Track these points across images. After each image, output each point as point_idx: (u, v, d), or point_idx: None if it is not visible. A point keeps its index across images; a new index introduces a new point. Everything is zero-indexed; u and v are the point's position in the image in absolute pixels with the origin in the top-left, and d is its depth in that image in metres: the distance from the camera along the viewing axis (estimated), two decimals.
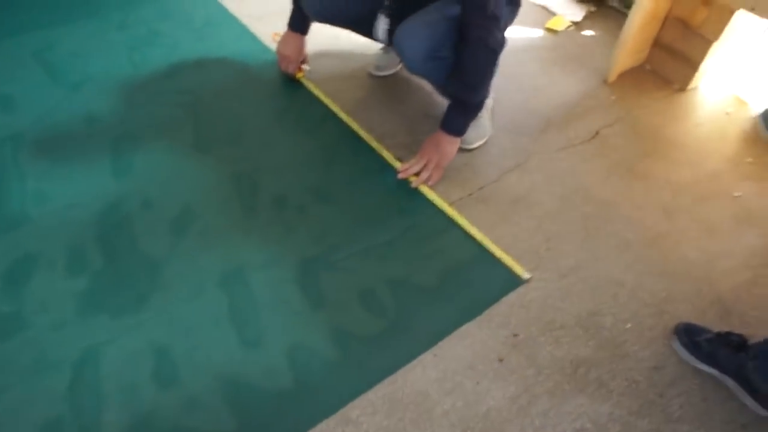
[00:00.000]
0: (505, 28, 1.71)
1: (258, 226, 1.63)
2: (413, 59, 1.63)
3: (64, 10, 2.32)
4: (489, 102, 1.94)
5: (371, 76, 2.14)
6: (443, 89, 1.82)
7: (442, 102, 1.93)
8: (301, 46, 2.04)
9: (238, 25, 2.32)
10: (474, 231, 1.62)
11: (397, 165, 1.80)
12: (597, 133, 2.00)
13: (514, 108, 2.07)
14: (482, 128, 1.90)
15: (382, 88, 2.11)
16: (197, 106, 1.96)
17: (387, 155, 1.83)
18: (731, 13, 1.98)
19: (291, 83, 2.08)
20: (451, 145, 1.73)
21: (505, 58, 1.71)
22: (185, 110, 1.95)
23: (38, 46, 2.13)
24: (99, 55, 2.13)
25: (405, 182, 1.75)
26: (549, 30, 2.47)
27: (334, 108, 1.98)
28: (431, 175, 1.73)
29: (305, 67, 2.09)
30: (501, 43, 1.60)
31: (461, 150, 1.85)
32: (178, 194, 1.69)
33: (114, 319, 1.42)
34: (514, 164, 1.87)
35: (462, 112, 1.69)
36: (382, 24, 1.81)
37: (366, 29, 1.98)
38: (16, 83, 1.98)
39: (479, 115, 1.77)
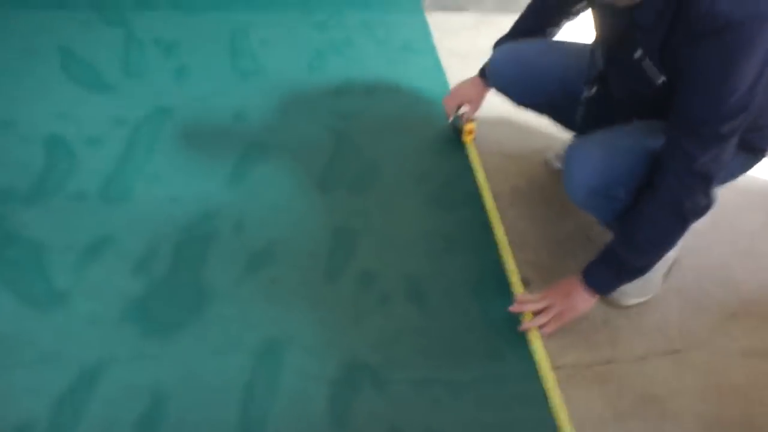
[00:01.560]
0: (720, 185, 1.27)
1: (328, 300, 1.41)
2: (576, 189, 1.28)
3: None
4: (671, 252, 1.48)
5: (547, 165, 1.78)
6: (607, 225, 1.42)
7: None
8: (479, 93, 1.72)
9: (434, 59, 2.10)
10: (567, 425, 1.23)
11: (519, 291, 1.45)
12: None
13: (705, 269, 1.57)
14: (648, 283, 1.45)
15: (551, 184, 1.73)
16: (345, 135, 1.79)
17: (513, 272, 1.49)
18: None
19: (457, 143, 1.80)
20: (584, 301, 1.33)
21: (722, 199, 1.27)
22: (331, 135, 1.79)
23: (238, 26, 2.13)
24: (285, 49, 2.06)
25: (515, 318, 1.40)
26: None
27: (485, 189, 1.67)
28: (548, 324, 1.36)
29: (470, 125, 1.77)
30: (701, 210, 1.17)
31: (610, 303, 1.45)
32: (272, 227, 1.54)
33: (143, 337, 1.32)
34: (669, 348, 1.40)
35: (615, 269, 1.28)
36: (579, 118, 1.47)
37: (559, 116, 1.63)
38: (199, 56, 1.99)
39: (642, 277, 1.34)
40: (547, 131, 1.84)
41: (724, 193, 1.64)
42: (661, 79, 1.18)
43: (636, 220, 1.22)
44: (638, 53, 1.20)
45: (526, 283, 1.48)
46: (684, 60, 1.10)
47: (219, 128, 1.77)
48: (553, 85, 1.49)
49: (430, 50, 2.13)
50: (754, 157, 1.36)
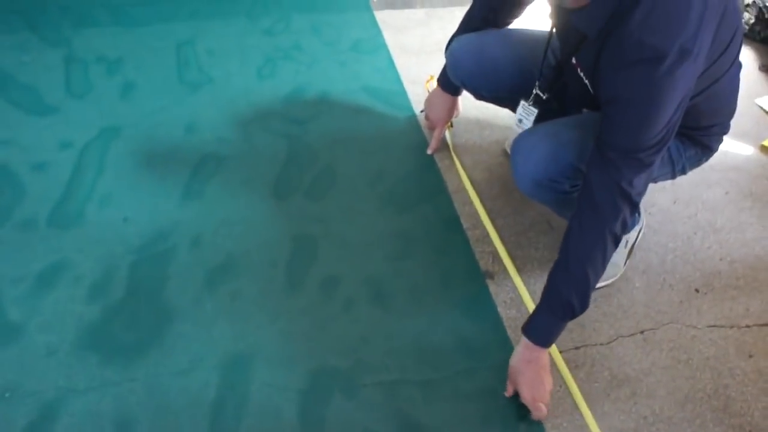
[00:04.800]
0: (672, 179, 1.31)
1: (291, 310, 1.38)
2: (521, 180, 1.27)
3: (219, 3, 2.24)
4: (632, 234, 1.48)
5: (506, 155, 1.77)
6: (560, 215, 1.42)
7: None
8: (452, 107, 1.70)
9: (385, 57, 2.07)
10: None
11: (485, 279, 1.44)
12: None
13: (668, 247, 1.58)
14: (612, 266, 1.46)
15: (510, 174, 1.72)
16: (299, 141, 1.76)
17: (480, 264, 1.48)
18: None
19: (412, 141, 1.78)
20: (541, 363, 1.22)
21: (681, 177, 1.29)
22: (285, 143, 1.75)
23: (183, 38, 2.07)
24: (232, 58, 2.01)
25: (484, 307, 1.39)
26: (765, 149, 1.88)
27: (467, 184, 1.67)
28: (534, 407, 1.22)
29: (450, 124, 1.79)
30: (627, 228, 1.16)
31: None
32: (230, 240, 1.50)
33: (101, 365, 1.28)
34: (637, 328, 1.40)
35: (559, 314, 1.19)
36: (520, 113, 1.45)
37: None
38: (145, 71, 1.94)
39: None
40: (503, 122, 1.84)
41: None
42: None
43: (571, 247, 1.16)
44: (574, 60, 1.20)
45: (489, 276, 1.47)
46: (610, 83, 1.06)
47: (170, 143, 1.72)
48: (513, 77, 1.47)
49: (382, 48, 2.11)
50: (704, 154, 1.36)
